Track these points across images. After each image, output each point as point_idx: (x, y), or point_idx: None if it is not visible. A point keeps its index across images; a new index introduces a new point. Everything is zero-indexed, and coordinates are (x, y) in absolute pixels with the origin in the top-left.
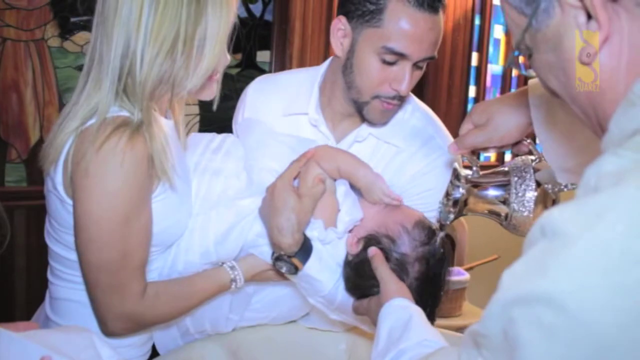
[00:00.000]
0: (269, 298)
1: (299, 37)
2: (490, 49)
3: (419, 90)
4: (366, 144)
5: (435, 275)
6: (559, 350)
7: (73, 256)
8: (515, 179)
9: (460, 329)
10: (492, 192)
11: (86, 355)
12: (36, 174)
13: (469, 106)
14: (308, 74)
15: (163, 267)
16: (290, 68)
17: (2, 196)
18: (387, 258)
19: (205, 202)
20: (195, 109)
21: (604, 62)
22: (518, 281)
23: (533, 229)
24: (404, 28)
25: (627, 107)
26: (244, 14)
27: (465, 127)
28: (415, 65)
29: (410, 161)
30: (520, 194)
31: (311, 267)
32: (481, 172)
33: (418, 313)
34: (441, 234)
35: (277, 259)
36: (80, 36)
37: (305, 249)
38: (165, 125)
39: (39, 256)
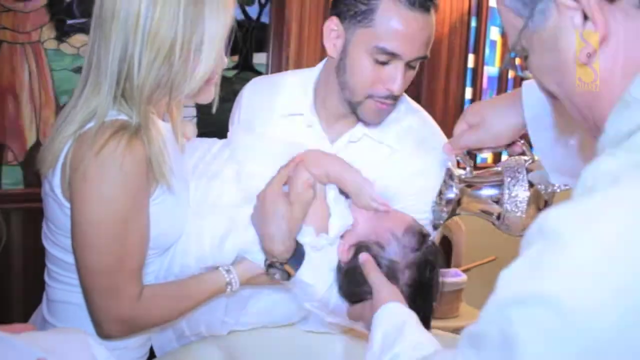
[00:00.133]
0: (264, 303)
1: (295, 39)
2: (487, 50)
3: (416, 92)
4: (361, 144)
5: (426, 281)
6: (556, 351)
7: (70, 259)
8: (509, 179)
9: (457, 330)
10: (486, 192)
11: (82, 357)
12: (33, 177)
13: (466, 108)
14: (303, 75)
15: (159, 270)
16: (286, 70)
17: None
18: (378, 264)
19: (201, 206)
20: (192, 111)
21: (600, 64)
22: (515, 282)
23: (530, 229)
24: (396, 28)
25: (623, 108)
26: (241, 16)
27: (459, 127)
28: (408, 65)
29: (404, 161)
30: (513, 194)
31: (304, 273)
32: (474, 172)
33: (412, 317)
34: (432, 238)
35: (269, 266)
36: (76, 38)
37: (297, 256)
38: (163, 128)
39: (36, 258)
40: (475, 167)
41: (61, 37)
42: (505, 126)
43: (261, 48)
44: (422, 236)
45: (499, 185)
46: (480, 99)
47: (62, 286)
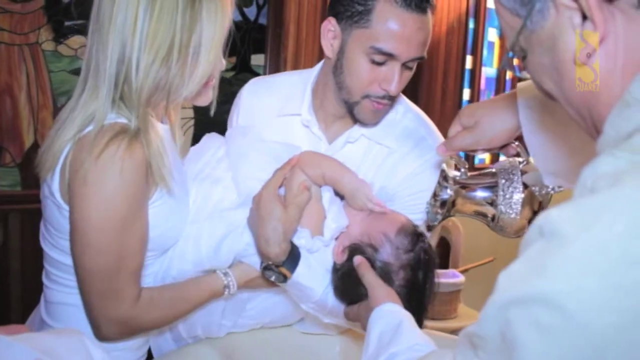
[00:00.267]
0: (263, 305)
1: (293, 40)
2: (485, 52)
3: (413, 93)
4: (358, 145)
5: (421, 281)
6: (556, 351)
7: (69, 261)
8: (503, 181)
9: (455, 332)
10: (480, 194)
11: (78, 358)
12: (30, 178)
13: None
14: (301, 75)
15: (158, 272)
16: (284, 71)
17: None
18: (373, 266)
19: (201, 210)
20: (190, 113)
21: (600, 64)
22: (515, 282)
23: (530, 229)
24: (392, 28)
25: (623, 108)
26: (239, 18)
27: (454, 129)
28: (405, 66)
29: (402, 162)
30: (507, 196)
31: (300, 275)
32: (469, 174)
33: (408, 318)
34: (426, 240)
35: (265, 268)
36: (74, 40)
37: (293, 258)
38: (161, 131)
39: (34, 260)
40: (473, 168)
41: (59, 39)
42: (499, 128)
43: (259, 49)
44: (416, 237)
45: (494, 186)
46: (478, 100)
47: (61, 288)
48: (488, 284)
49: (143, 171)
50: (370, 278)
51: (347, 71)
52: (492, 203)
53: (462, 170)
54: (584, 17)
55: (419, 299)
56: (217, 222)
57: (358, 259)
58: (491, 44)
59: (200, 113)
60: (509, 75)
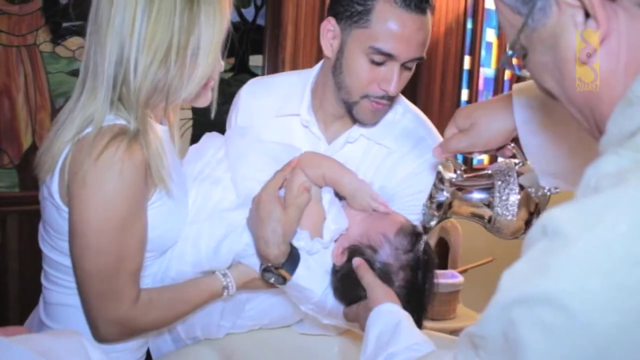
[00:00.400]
0: (262, 306)
1: (291, 41)
2: (483, 52)
3: (412, 93)
4: (358, 145)
5: (420, 282)
6: (560, 351)
7: (68, 262)
8: (499, 182)
9: (454, 332)
10: (477, 196)
11: (76, 359)
12: (28, 180)
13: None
14: (300, 76)
15: (156, 273)
16: (282, 72)
17: None
18: (372, 267)
19: (200, 211)
20: (189, 114)
21: (602, 62)
22: (518, 282)
23: (534, 228)
24: (391, 29)
25: (626, 107)
26: (237, 19)
27: (450, 131)
28: (404, 66)
29: (401, 162)
30: (504, 198)
31: (299, 276)
32: (465, 175)
33: (406, 318)
34: (424, 239)
35: (264, 270)
36: (72, 41)
37: (292, 259)
38: (160, 132)
39: (32, 261)
40: (471, 168)
41: (56, 40)
42: (495, 130)
43: (257, 50)
44: (415, 237)
45: (490, 188)
46: (476, 100)
47: (59, 289)
48: (487, 284)
49: (142, 172)
50: (369, 279)
51: (346, 71)
52: (489, 205)
53: (458, 172)
54: (587, 15)
55: (419, 299)
56: (216, 223)
57: (357, 261)
58: (489, 45)
59: (198, 114)
60: (507, 75)
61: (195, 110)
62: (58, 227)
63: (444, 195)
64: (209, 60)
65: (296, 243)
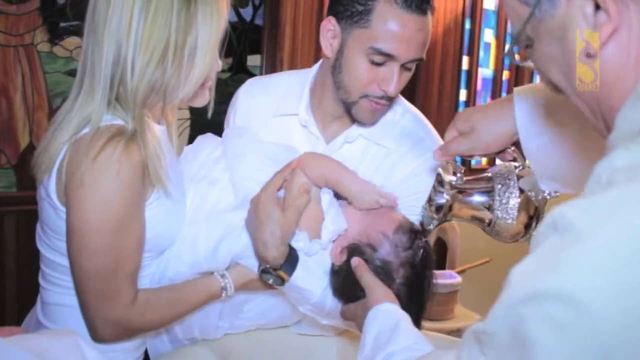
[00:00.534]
0: (261, 306)
1: (289, 41)
2: (481, 52)
3: (410, 94)
4: (356, 145)
5: (420, 278)
6: (570, 347)
7: (65, 262)
8: (499, 186)
9: (452, 332)
10: (477, 199)
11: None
12: (26, 179)
13: (460, 110)
14: (299, 75)
15: (154, 274)
16: (281, 72)
17: None
18: (372, 265)
19: (198, 211)
20: (186, 114)
21: (612, 56)
22: (527, 278)
23: (543, 224)
24: (392, 29)
25: (636, 101)
26: (235, 18)
27: (450, 134)
28: (404, 67)
29: (400, 162)
30: (504, 201)
31: (298, 278)
32: (465, 178)
33: (405, 318)
34: (423, 241)
35: (263, 271)
36: (69, 41)
37: (291, 260)
38: (158, 132)
39: (30, 261)
40: (470, 169)
41: (54, 40)
42: (496, 133)
43: (255, 50)
44: (414, 234)
45: (490, 191)
46: (474, 100)
47: (57, 289)
48: (485, 285)
49: (140, 173)
50: (368, 279)
51: (345, 71)
52: (489, 208)
53: (459, 174)
54: (597, 7)
55: (419, 297)
56: (214, 224)
57: (355, 260)
58: (487, 45)
59: (196, 114)
60: (505, 76)
61: (193, 110)
62: (55, 227)
63: (443, 198)
64: (206, 60)
65: (295, 244)
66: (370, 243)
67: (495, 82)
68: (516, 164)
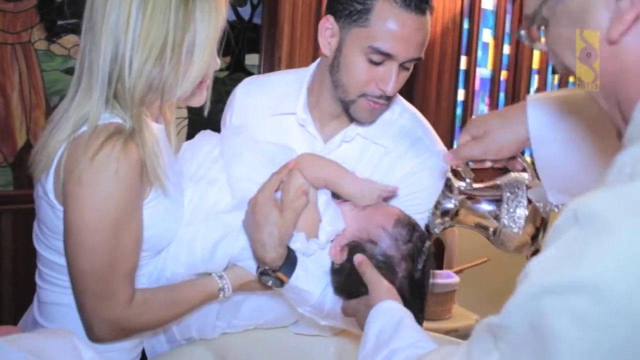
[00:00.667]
0: (256, 305)
1: (287, 40)
2: (479, 52)
3: (408, 93)
4: (354, 144)
5: (421, 270)
6: (594, 340)
7: (63, 261)
8: (508, 194)
9: (449, 332)
10: (484, 207)
11: (69, 359)
12: (23, 178)
13: (458, 110)
14: (296, 74)
15: (152, 273)
16: (279, 70)
17: None
18: (374, 261)
19: (196, 211)
20: (184, 112)
21: (633, 44)
22: (548, 271)
23: (563, 216)
24: (391, 28)
25: None
26: (233, 17)
27: (463, 138)
28: (402, 66)
29: (399, 162)
30: (512, 210)
31: (297, 279)
32: (474, 185)
33: (408, 315)
34: (427, 245)
35: (261, 273)
36: (67, 39)
37: (289, 262)
38: (156, 130)
39: (27, 260)
40: (472, 170)
41: (51, 38)
42: (508, 139)
43: (253, 49)
44: (412, 226)
45: (498, 200)
46: (472, 100)
47: (54, 288)
48: (482, 284)
49: (138, 171)
50: (371, 275)
51: (344, 69)
52: (496, 217)
53: (468, 180)
54: None
55: (421, 291)
56: (212, 225)
57: (359, 257)
58: (485, 45)
59: (194, 113)
60: (503, 75)
61: (190, 109)
62: (53, 226)
63: (452, 203)
64: (204, 58)
65: (292, 245)
66: (371, 239)
67: (493, 82)
68: (526, 174)
